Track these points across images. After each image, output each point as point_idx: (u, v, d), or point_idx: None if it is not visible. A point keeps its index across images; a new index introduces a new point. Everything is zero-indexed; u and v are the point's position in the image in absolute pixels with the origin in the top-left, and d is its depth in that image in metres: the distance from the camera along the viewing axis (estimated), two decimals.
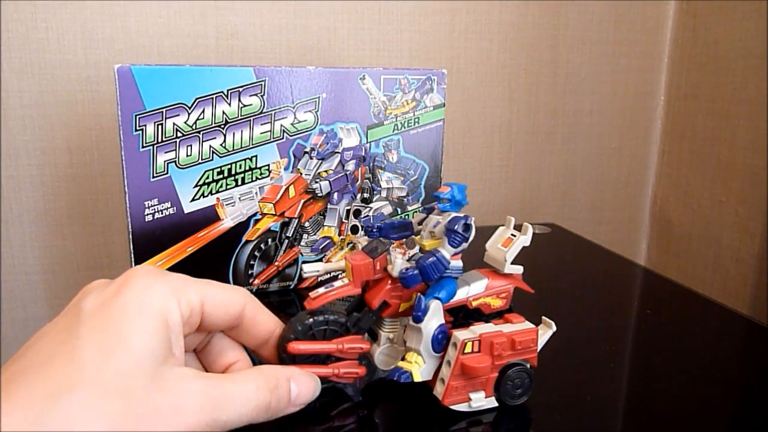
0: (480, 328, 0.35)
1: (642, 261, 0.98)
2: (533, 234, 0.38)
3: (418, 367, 0.35)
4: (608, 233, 0.95)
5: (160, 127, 0.48)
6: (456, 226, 0.34)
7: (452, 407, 0.35)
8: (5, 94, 0.66)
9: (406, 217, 0.58)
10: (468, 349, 0.34)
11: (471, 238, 0.35)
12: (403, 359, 0.36)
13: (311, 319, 0.34)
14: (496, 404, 0.36)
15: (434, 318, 0.34)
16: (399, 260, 0.35)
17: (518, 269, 0.37)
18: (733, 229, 0.80)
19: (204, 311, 0.28)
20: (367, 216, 0.57)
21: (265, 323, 0.32)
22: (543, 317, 0.38)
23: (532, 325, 0.36)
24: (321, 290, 0.35)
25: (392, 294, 0.35)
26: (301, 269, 0.38)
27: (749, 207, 0.77)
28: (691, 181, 0.87)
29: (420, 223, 0.38)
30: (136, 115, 0.47)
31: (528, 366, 0.36)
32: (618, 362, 0.43)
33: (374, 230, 0.37)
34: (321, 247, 0.56)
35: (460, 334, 0.34)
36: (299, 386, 0.30)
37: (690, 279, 0.87)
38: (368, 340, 0.36)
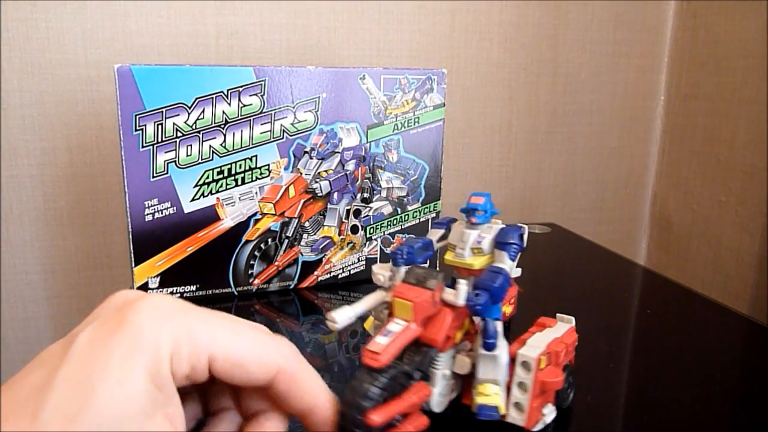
0: (538, 341, 0.33)
1: (642, 261, 0.98)
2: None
3: (499, 398, 0.31)
4: (608, 233, 0.95)
5: (160, 127, 0.48)
6: (513, 239, 0.31)
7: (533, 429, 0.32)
8: (5, 94, 0.66)
9: (406, 218, 0.58)
10: (542, 365, 0.32)
11: None
12: (460, 393, 0.32)
13: (384, 380, 0.27)
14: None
15: (502, 341, 0.31)
16: (464, 286, 0.30)
17: (518, 272, 0.36)
18: (733, 229, 0.80)
19: (214, 368, 0.23)
20: (367, 216, 0.57)
21: (308, 394, 0.25)
22: (558, 315, 0.37)
23: (569, 325, 0.35)
24: (382, 340, 0.28)
25: (453, 325, 0.31)
26: (332, 320, 0.31)
27: (749, 207, 0.77)
28: (691, 181, 0.87)
29: (440, 240, 0.34)
30: (136, 115, 0.47)
31: (568, 364, 0.34)
32: (618, 362, 0.43)
33: (401, 257, 0.32)
34: (321, 246, 0.56)
35: (528, 352, 0.32)
36: None
37: (690, 279, 0.87)
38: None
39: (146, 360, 0.21)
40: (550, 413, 0.33)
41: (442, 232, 0.34)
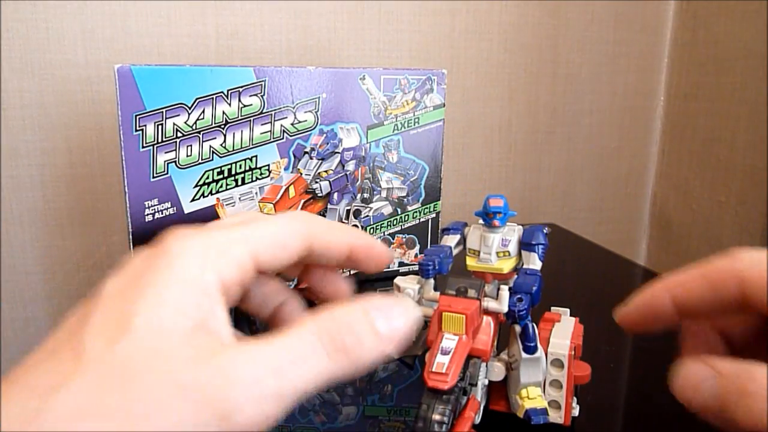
0: (559, 336, 0.32)
1: (642, 261, 0.98)
2: None
3: (544, 400, 0.31)
4: (608, 233, 0.95)
5: (160, 127, 0.48)
6: (539, 239, 0.31)
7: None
8: (5, 94, 0.66)
9: (406, 218, 0.58)
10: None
11: None
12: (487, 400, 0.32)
13: (452, 401, 0.27)
14: None
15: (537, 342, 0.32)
16: (506, 293, 0.30)
17: None
18: (733, 229, 0.80)
19: (259, 262, 0.24)
20: (367, 216, 0.57)
21: (337, 241, 0.27)
22: (553, 308, 0.37)
23: (573, 318, 0.35)
24: (443, 359, 0.27)
25: (495, 333, 0.30)
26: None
27: (749, 207, 0.77)
28: (691, 181, 0.87)
29: (456, 246, 0.33)
30: (136, 115, 0.47)
31: None
32: (618, 362, 0.43)
33: (433, 268, 0.31)
34: None
35: (558, 349, 0.32)
36: (388, 317, 0.22)
37: None
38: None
39: (190, 277, 0.21)
40: (576, 407, 0.33)
41: (458, 237, 0.33)
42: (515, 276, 0.32)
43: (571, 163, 0.91)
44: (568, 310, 0.36)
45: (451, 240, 0.33)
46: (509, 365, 0.32)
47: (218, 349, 0.20)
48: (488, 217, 0.32)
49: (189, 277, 0.21)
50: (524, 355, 0.31)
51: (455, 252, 0.33)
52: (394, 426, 0.35)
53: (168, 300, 0.20)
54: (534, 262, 0.31)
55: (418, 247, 0.59)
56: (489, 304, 0.30)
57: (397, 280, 0.32)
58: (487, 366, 0.31)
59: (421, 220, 0.59)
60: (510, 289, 0.30)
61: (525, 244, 0.31)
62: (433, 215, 0.59)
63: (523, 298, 0.29)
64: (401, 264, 0.59)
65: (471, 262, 0.32)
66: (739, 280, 0.25)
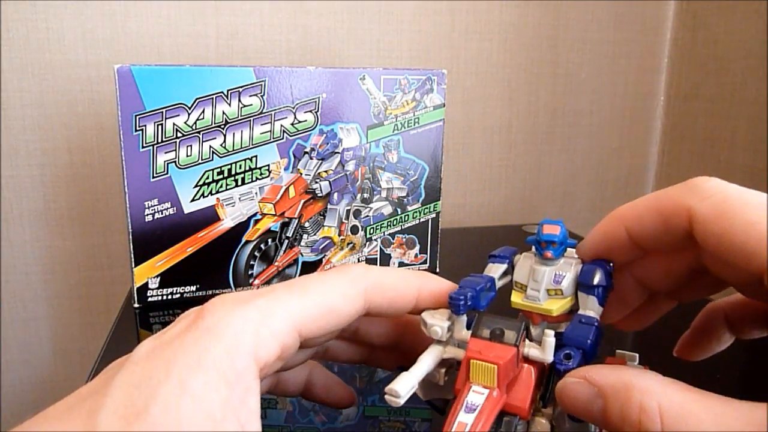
0: None
1: None
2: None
3: None
4: None
5: (160, 127, 0.48)
6: (601, 279, 0.25)
7: None
8: (5, 94, 0.66)
9: (406, 218, 0.58)
10: None
11: None
12: None
13: None
14: None
15: None
16: (551, 339, 0.24)
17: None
18: None
19: (304, 333, 0.22)
20: (367, 216, 0.57)
21: (402, 294, 0.26)
22: (619, 351, 0.29)
23: (642, 369, 0.28)
24: (466, 419, 0.22)
25: (537, 385, 0.25)
26: (393, 394, 0.23)
27: None
28: None
29: (501, 277, 0.28)
30: (136, 115, 0.47)
31: None
32: None
33: (465, 303, 0.25)
34: (321, 247, 0.56)
35: None
36: None
37: None
38: None
39: (216, 359, 0.19)
40: None
41: (504, 267, 0.28)
42: (569, 320, 0.26)
43: (571, 163, 0.91)
44: (636, 356, 0.28)
45: (495, 269, 0.28)
46: (554, 424, 0.27)
47: None
48: (540, 247, 0.26)
49: (220, 362, 0.19)
50: (570, 422, 0.25)
51: (500, 284, 0.28)
52: (394, 426, 0.35)
53: (191, 390, 0.19)
54: (592, 306, 0.25)
55: (418, 247, 0.59)
56: (530, 351, 0.24)
57: (425, 314, 0.27)
58: (528, 424, 0.26)
59: (421, 220, 0.59)
60: (559, 335, 0.25)
61: (583, 285, 0.26)
62: (433, 215, 0.59)
63: (573, 354, 0.23)
64: (401, 264, 0.59)
65: (516, 299, 0.26)
66: (687, 214, 0.22)
